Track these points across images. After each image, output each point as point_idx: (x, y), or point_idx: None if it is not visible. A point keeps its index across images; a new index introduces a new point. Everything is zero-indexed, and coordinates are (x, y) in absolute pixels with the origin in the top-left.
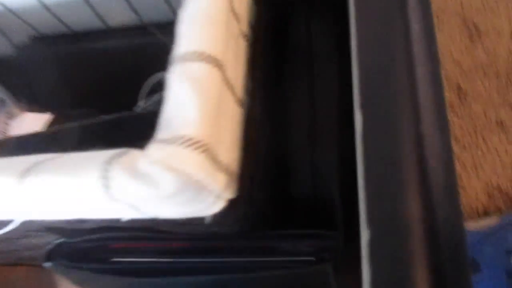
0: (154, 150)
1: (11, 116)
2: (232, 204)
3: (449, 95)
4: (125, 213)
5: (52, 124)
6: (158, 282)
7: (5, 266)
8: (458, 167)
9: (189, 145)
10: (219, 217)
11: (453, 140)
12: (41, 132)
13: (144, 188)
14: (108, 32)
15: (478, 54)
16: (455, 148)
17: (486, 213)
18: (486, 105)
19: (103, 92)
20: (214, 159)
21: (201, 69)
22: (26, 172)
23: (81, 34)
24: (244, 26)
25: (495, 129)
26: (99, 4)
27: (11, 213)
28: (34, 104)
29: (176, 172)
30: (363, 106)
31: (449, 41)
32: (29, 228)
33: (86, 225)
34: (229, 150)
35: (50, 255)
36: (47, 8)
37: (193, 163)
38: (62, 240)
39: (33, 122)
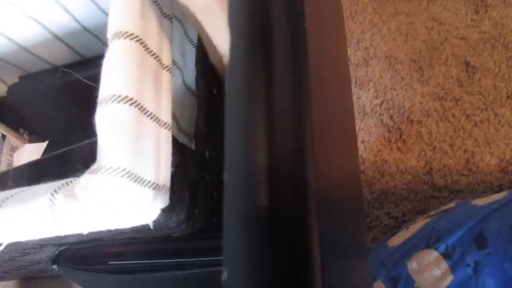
0: (83, 179)
1: (14, 148)
2: (170, 210)
3: (457, 72)
4: (77, 228)
5: (46, 151)
6: (139, 278)
7: (29, 280)
8: (470, 144)
9: (110, 172)
10: (160, 223)
11: (464, 117)
12: (27, 163)
13: (80, 208)
14: (86, 63)
15: (485, 27)
16: (467, 125)
17: (501, 189)
18: (496, 79)
19: (91, 117)
20: (137, 179)
21: (116, 109)
22: None
23: (62, 67)
24: (166, 60)
25: (506, 103)
26: (72, 40)
27: None
28: (33, 135)
29: (100, 194)
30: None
31: (455, 17)
32: (25, 247)
33: (66, 240)
34: (155, 168)
35: (56, 259)
36: (26, 49)
37: (114, 185)
38: (65, 247)
39: (32, 152)
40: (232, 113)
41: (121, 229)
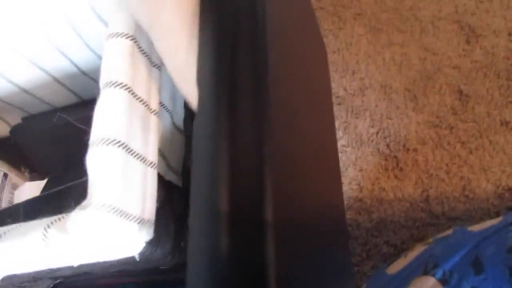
0: (74, 214)
1: (15, 186)
2: (156, 242)
3: (451, 100)
4: (69, 261)
5: (46, 188)
6: None
7: None
8: (466, 172)
9: (98, 208)
10: (146, 255)
11: (459, 144)
12: (24, 201)
13: (70, 241)
14: (84, 104)
15: (477, 56)
16: (462, 152)
17: (498, 215)
18: (489, 106)
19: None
20: (123, 214)
21: (106, 151)
22: None
23: (62, 109)
24: (154, 105)
25: (500, 130)
26: (71, 83)
27: None
28: (33, 173)
29: (89, 228)
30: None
31: (447, 47)
32: (21, 280)
33: (60, 273)
34: (141, 204)
35: None
36: (27, 92)
37: (102, 219)
38: (59, 280)
39: (32, 189)
40: (197, 163)
41: (110, 261)
